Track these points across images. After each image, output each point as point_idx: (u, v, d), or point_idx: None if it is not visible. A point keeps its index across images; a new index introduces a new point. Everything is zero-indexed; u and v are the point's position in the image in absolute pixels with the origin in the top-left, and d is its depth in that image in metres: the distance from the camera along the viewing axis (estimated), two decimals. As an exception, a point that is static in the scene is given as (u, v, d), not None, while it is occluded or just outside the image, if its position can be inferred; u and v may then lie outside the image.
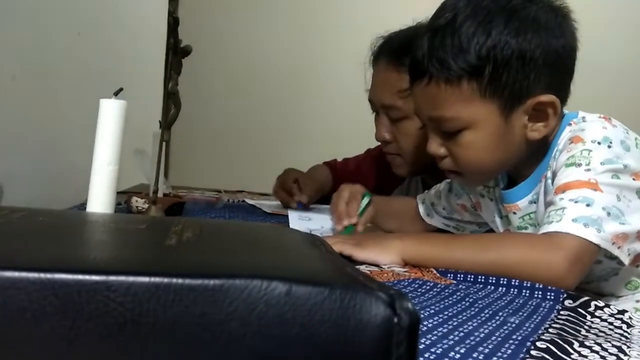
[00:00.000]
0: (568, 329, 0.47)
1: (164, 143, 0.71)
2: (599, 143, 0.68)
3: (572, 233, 0.62)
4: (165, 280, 0.22)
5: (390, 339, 0.24)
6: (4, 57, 0.74)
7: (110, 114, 0.48)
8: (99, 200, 0.46)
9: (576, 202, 0.64)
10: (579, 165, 0.67)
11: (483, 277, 0.62)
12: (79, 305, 0.21)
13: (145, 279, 0.22)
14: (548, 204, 0.69)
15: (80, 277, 0.21)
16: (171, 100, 0.70)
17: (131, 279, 0.22)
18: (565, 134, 0.73)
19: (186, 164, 2.04)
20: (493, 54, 0.68)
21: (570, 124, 0.74)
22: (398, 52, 0.95)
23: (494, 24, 0.68)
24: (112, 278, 0.22)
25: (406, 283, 0.59)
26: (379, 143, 1.07)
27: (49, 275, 0.21)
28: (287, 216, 0.98)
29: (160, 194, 0.88)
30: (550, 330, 0.47)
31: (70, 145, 0.95)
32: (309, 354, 0.23)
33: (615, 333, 0.49)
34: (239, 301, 0.23)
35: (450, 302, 0.53)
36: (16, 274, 0.21)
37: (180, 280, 0.22)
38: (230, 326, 0.22)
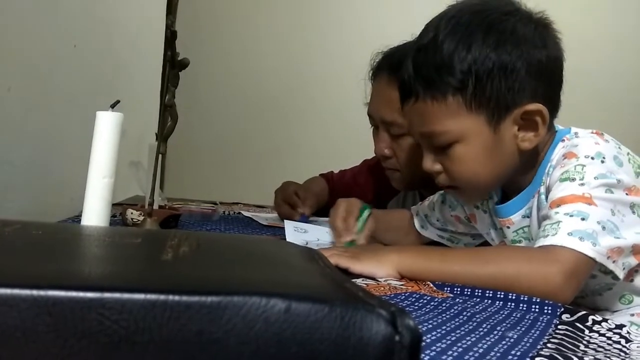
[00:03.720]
0: (567, 344, 0.47)
1: (160, 155, 0.70)
2: (592, 158, 0.68)
3: (567, 246, 0.62)
4: (161, 297, 0.22)
5: (392, 357, 0.24)
6: (1, 73, 0.74)
7: (106, 127, 0.48)
8: (94, 212, 0.46)
9: (571, 216, 0.64)
10: (573, 180, 0.68)
11: (480, 291, 0.61)
12: (73, 324, 0.21)
13: (141, 296, 0.21)
14: (542, 219, 0.70)
15: (74, 294, 0.21)
16: (168, 112, 0.69)
17: (126, 296, 0.21)
18: (559, 150, 0.74)
19: (182, 176, 2.03)
20: (475, 67, 0.69)
21: (563, 140, 0.75)
22: (399, 68, 0.96)
23: (473, 39, 0.69)
24: (107, 295, 0.21)
25: (403, 297, 0.59)
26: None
27: (42, 293, 0.21)
28: (283, 228, 0.98)
29: (155, 206, 0.88)
30: (549, 345, 0.46)
31: (66, 156, 0.94)
32: (308, 373, 0.23)
33: (614, 348, 0.48)
34: (237, 319, 0.22)
35: (447, 316, 0.52)
36: (8, 291, 0.20)
37: (176, 297, 0.22)
38: (227, 345, 0.22)
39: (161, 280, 0.24)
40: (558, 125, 0.78)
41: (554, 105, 0.74)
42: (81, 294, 0.21)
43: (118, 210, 0.89)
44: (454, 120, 0.71)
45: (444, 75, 0.70)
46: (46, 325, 0.20)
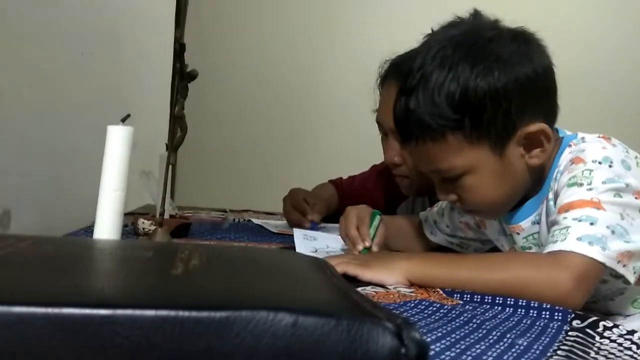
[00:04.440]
0: (577, 351, 0.47)
1: (170, 165, 0.71)
2: (599, 163, 0.68)
3: (577, 251, 0.61)
4: (172, 313, 0.22)
5: (398, 370, 0.24)
6: (9, 85, 0.75)
7: (117, 141, 0.49)
8: (106, 225, 0.47)
9: (580, 220, 0.64)
10: (581, 185, 0.67)
11: (490, 298, 0.61)
12: (86, 340, 0.21)
13: (152, 312, 0.22)
14: (551, 224, 0.70)
15: (87, 311, 0.21)
16: (177, 123, 0.70)
17: (138, 312, 0.22)
18: (566, 155, 0.74)
19: (192, 185, 2.05)
20: (466, 101, 0.68)
21: (570, 145, 0.74)
22: (407, 75, 0.96)
23: (460, 71, 0.68)
24: (119, 312, 0.22)
25: (412, 304, 0.59)
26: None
27: (56, 310, 0.21)
28: (293, 236, 0.98)
29: (166, 216, 0.89)
30: (559, 352, 0.46)
31: (77, 168, 0.96)
32: (316, 386, 0.23)
33: (625, 354, 0.48)
34: (246, 333, 0.23)
35: (457, 324, 0.53)
36: (24, 309, 0.21)
37: (186, 313, 0.22)
38: (236, 357, 0.22)
39: (171, 295, 0.25)
40: (565, 131, 0.78)
41: (553, 114, 0.74)
42: (94, 311, 0.21)
43: (129, 219, 0.90)
44: (458, 156, 0.70)
45: (439, 117, 0.68)
46: (61, 342, 0.21)
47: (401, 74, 0.98)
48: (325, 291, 0.29)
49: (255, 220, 1.23)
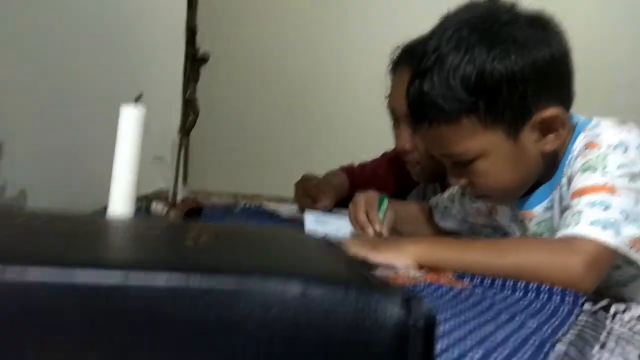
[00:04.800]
0: (588, 333, 0.47)
1: (182, 148, 0.72)
2: (614, 147, 0.67)
3: (589, 236, 0.61)
4: (183, 281, 0.22)
5: (406, 341, 0.24)
6: (25, 67, 0.76)
7: (130, 120, 0.49)
8: (120, 204, 0.47)
9: (593, 205, 0.64)
10: (595, 169, 0.67)
11: (500, 281, 0.61)
12: (98, 306, 0.22)
13: (163, 280, 0.22)
14: (564, 209, 0.69)
15: (100, 277, 0.22)
16: (189, 107, 0.71)
17: (150, 279, 0.22)
18: (580, 140, 0.73)
19: (204, 170, 2.06)
20: (482, 84, 0.67)
21: (584, 130, 0.74)
22: (419, 60, 0.95)
23: (476, 55, 0.67)
24: (131, 277, 0.22)
25: (422, 287, 0.59)
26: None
27: (69, 274, 0.22)
28: (303, 221, 0.99)
29: (179, 199, 0.89)
30: (569, 333, 0.46)
31: (91, 149, 0.97)
32: (324, 356, 0.23)
33: (636, 338, 0.48)
34: (255, 303, 0.23)
35: (467, 305, 0.53)
36: (38, 272, 0.21)
37: (197, 282, 0.23)
38: (246, 327, 0.23)
39: (182, 265, 0.25)
40: (579, 116, 0.77)
41: (569, 99, 0.73)
42: (106, 276, 0.22)
43: (143, 202, 0.91)
44: (471, 140, 0.69)
45: (452, 99, 0.68)
46: (73, 307, 0.21)
47: (414, 59, 0.97)
48: (333, 264, 0.29)
49: (266, 206, 1.24)
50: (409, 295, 0.25)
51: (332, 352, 0.23)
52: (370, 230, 0.84)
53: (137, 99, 0.50)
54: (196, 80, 0.68)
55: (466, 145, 0.70)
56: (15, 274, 0.21)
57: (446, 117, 0.69)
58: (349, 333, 0.24)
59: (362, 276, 0.27)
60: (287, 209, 1.19)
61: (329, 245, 0.36)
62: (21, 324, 0.21)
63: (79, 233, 0.31)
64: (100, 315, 0.22)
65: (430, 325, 0.25)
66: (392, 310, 0.24)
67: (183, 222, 0.52)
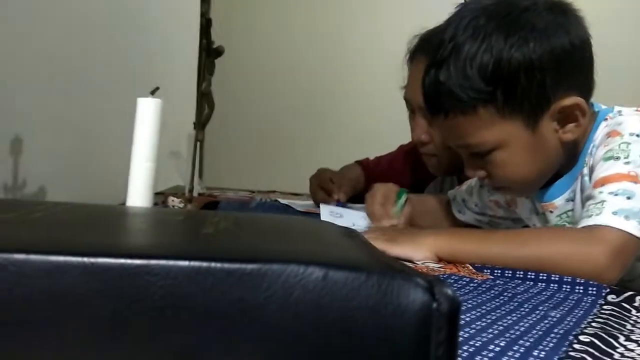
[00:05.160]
0: (612, 324, 0.46)
1: (198, 143, 0.72)
2: (637, 136, 0.66)
3: (612, 226, 0.60)
4: (204, 264, 0.22)
5: (430, 325, 0.24)
6: (42, 61, 0.77)
7: (147, 112, 0.49)
8: (138, 196, 0.47)
9: (616, 194, 0.62)
10: (618, 158, 0.66)
11: (521, 273, 0.61)
12: (121, 289, 0.22)
13: (185, 263, 0.22)
14: (586, 199, 0.68)
15: (122, 261, 0.22)
16: (204, 100, 0.71)
17: (171, 263, 0.22)
18: (602, 129, 0.72)
19: (220, 166, 2.06)
20: (500, 73, 0.66)
21: (606, 119, 0.72)
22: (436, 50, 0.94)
23: (494, 43, 0.66)
24: (153, 262, 0.22)
25: (441, 279, 0.58)
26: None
27: (92, 260, 0.21)
28: (319, 214, 0.99)
29: (195, 194, 0.90)
30: (594, 324, 0.45)
31: (106, 146, 0.97)
32: (347, 339, 0.23)
33: (663, 328, 0.47)
34: (276, 286, 0.23)
35: (488, 296, 0.52)
36: (60, 258, 0.21)
37: (218, 265, 0.22)
38: (267, 311, 0.22)
39: (204, 249, 0.25)
40: (600, 105, 0.76)
41: (589, 88, 0.72)
42: (129, 261, 0.22)
43: (160, 198, 0.92)
44: (489, 131, 0.68)
45: (469, 89, 0.67)
46: (96, 291, 0.21)
47: (431, 49, 0.96)
48: (354, 250, 0.29)
49: (282, 200, 1.24)
50: (432, 280, 0.25)
51: (355, 335, 0.23)
52: (385, 223, 0.83)
53: (153, 92, 0.50)
54: (211, 73, 0.68)
55: (484, 136, 0.69)
56: (38, 259, 0.21)
57: (463, 107, 0.68)
58: (372, 317, 0.23)
59: (384, 261, 0.27)
60: (303, 204, 1.19)
61: (349, 233, 0.35)
62: (42, 308, 0.21)
63: (100, 220, 0.31)
64: (123, 300, 0.22)
65: (454, 310, 0.24)
66: (416, 294, 0.24)
67: (201, 211, 0.52)
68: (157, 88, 0.52)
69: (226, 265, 0.22)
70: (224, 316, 0.22)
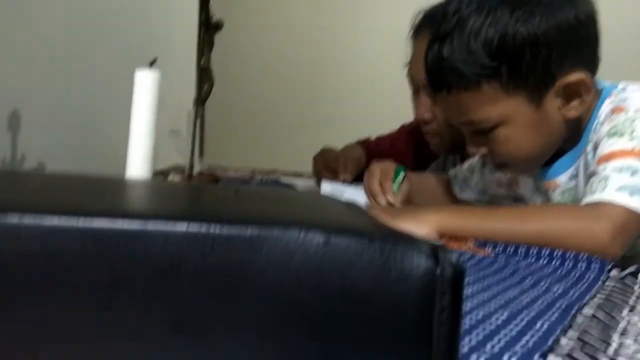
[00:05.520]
0: (616, 297, 0.46)
1: (198, 119, 0.71)
2: None
3: (616, 202, 0.59)
4: (203, 228, 0.22)
5: (433, 291, 0.23)
6: (39, 36, 0.75)
7: (146, 85, 0.48)
8: (137, 169, 0.47)
9: (620, 171, 0.62)
10: (622, 134, 0.65)
11: (524, 248, 0.60)
12: (118, 253, 0.21)
13: (183, 227, 0.22)
14: (590, 176, 0.67)
15: (118, 223, 0.21)
16: (204, 76, 0.70)
17: (169, 226, 0.22)
18: (606, 105, 0.71)
19: (221, 145, 2.05)
20: (504, 48, 0.65)
21: (610, 96, 0.71)
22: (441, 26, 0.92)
23: (499, 17, 0.64)
24: (151, 225, 0.21)
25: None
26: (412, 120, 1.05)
27: (88, 222, 0.21)
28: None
29: (195, 172, 0.89)
30: (597, 298, 0.45)
31: (106, 122, 0.97)
32: (348, 305, 0.23)
33: (667, 302, 0.46)
34: (277, 250, 0.22)
35: (490, 271, 0.52)
36: (56, 219, 0.21)
37: (217, 229, 0.22)
38: (268, 275, 0.22)
39: (203, 213, 0.24)
40: (604, 82, 0.75)
41: (594, 64, 0.71)
42: (127, 224, 0.21)
43: (159, 176, 0.91)
44: (492, 107, 0.67)
45: (473, 64, 0.65)
46: (93, 254, 0.21)
47: (435, 25, 0.95)
48: (356, 219, 0.28)
49: (283, 180, 1.23)
50: (437, 246, 0.24)
51: (357, 301, 0.23)
52: (381, 200, 0.83)
53: (152, 64, 0.49)
54: (210, 47, 0.67)
55: (486, 113, 0.68)
56: (32, 220, 0.21)
57: (466, 82, 0.67)
58: (374, 283, 0.23)
59: (387, 229, 0.26)
60: (304, 183, 1.19)
61: (350, 204, 0.35)
62: (37, 271, 0.21)
63: (97, 188, 0.30)
64: (120, 264, 0.21)
65: (458, 276, 0.24)
66: (419, 259, 0.23)
67: (201, 184, 0.52)
68: (156, 59, 0.51)
69: (225, 229, 0.22)
70: (223, 280, 0.22)
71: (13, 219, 0.20)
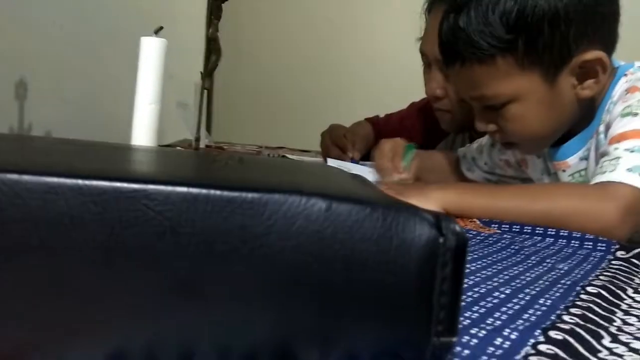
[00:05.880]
0: (621, 277, 0.45)
1: (205, 91, 0.71)
2: None
3: (626, 182, 0.59)
4: (204, 191, 0.22)
5: (435, 260, 0.23)
6: (44, 7, 0.75)
7: (151, 52, 0.48)
8: (143, 137, 0.47)
9: (632, 151, 0.61)
10: (636, 114, 0.63)
11: (529, 227, 0.60)
12: (118, 213, 0.21)
13: (184, 189, 0.21)
14: (601, 156, 0.66)
15: (118, 184, 0.21)
16: (212, 46, 0.69)
17: (169, 188, 0.21)
18: (621, 85, 0.69)
19: (228, 121, 2.04)
20: (523, 21, 0.63)
21: (625, 75, 0.70)
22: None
23: None
24: (151, 187, 0.21)
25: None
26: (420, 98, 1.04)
27: (87, 182, 0.21)
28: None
29: (202, 146, 0.89)
30: (602, 277, 0.44)
31: (112, 92, 0.96)
32: (350, 272, 0.23)
33: (673, 284, 0.46)
34: (278, 215, 0.22)
35: (494, 249, 0.51)
36: (54, 179, 0.21)
37: (218, 192, 0.22)
38: (269, 240, 0.22)
39: (204, 177, 0.24)
40: (619, 61, 0.73)
41: (612, 43, 0.69)
42: (125, 185, 0.21)
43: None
44: (506, 82, 0.66)
45: (489, 36, 0.64)
46: (92, 214, 0.21)
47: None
48: (360, 188, 0.28)
49: (290, 156, 1.23)
50: (440, 215, 0.24)
51: (357, 268, 0.22)
52: (393, 177, 0.82)
53: (157, 32, 0.49)
54: (218, 17, 0.66)
55: (499, 88, 0.67)
56: (32, 179, 0.21)
57: (481, 55, 0.65)
58: (376, 250, 0.23)
59: (391, 198, 0.26)
60: (310, 160, 1.18)
61: (354, 175, 0.34)
62: (36, 230, 0.21)
63: (100, 152, 0.30)
64: (120, 224, 0.21)
65: (461, 245, 0.23)
66: (422, 228, 0.23)
67: (206, 151, 0.52)
68: (161, 27, 0.50)
69: (226, 193, 0.22)
70: (223, 244, 0.21)
71: (11, 177, 0.20)
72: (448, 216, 0.24)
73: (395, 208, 0.24)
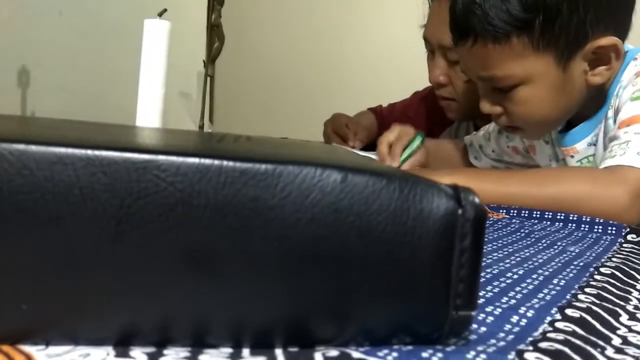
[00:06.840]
0: (633, 259, 0.45)
1: (208, 78, 0.70)
2: None
3: (636, 166, 0.58)
4: (216, 162, 0.21)
5: (454, 232, 0.22)
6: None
7: (154, 35, 0.47)
8: (147, 119, 0.46)
9: None
10: None
11: (538, 212, 0.59)
12: (129, 184, 0.20)
13: (195, 160, 0.21)
14: (610, 140, 0.65)
15: (129, 155, 0.20)
16: (214, 33, 0.68)
17: (181, 159, 0.21)
18: (630, 69, 0.68)
19: (231, 111, 2.03)
20: (542, 1, 0.61)
21: (635, 59, 0.69)
22: None
23: None
24: (162, 158, 0.21)
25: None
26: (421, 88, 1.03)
27: (97, 152, 0.20)
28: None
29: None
30: (614, 259, 0.44)
31: (117, 82, 0.95)
32: (366, 244, 0.22)
33: (686, 266, 0.45)
34: (292, 186, 0.21)
35: (504, 232, 0.51)
36: (63, 149, 0.20)
37: (231, 163, 0.21)
38: (283, 212, 0.21)
39: (216, 149, 0.23)
40: (628, 45, 0.72)
41: (625, 30, 0.68)
42: (136, 155, 0.20)
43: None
44: (518, 63, 0.64)
45: (505, 14, 0.62)
46: (102, 185, 0.20)
47: None
48: (372, 163, 0.27)
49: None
50: (459, 187, 0.23)
51: (374, 240, 0.22)
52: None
53: (161, 14, 0.48)
54: (221, 4, 0.65)
55: (511, 69, 0.65)
56: (40, 149, 0.20)
57: (495, 33, 0.63)
58: (393, 222, 0.22)
59: (406, 172, 0.25)
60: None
61: (364, 156, 0.34)
62: (45, 201, 0.20)
63: (110, 130, 0.30)
64: (130, 195, 0.20)
65: (480, 217, 0.23)
66: (440, 199, 0.23)
67: (213, 132, 0.51)
68: (165, 10, 0.49)
69: (239, 164, 0.21)
70: (237, 215, 0.21)
71: (19, 147, 0.20)
72: (467, 188, 0.24)
73: (413, 180, 0.23)
